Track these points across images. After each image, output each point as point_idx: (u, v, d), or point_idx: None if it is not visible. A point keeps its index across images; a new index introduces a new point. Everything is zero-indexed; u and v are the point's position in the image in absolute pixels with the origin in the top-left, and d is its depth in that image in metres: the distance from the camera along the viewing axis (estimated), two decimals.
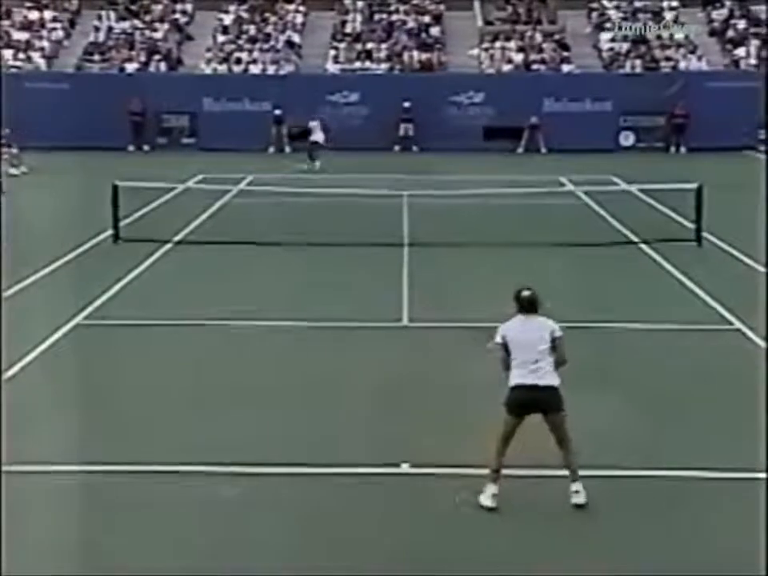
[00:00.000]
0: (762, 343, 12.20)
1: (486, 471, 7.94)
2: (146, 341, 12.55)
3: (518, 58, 36.53)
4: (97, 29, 38.51)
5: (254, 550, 7.28)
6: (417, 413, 9.98)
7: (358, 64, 36.87)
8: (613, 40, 36.98)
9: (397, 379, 11.01)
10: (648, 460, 8.83)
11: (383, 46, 37.63)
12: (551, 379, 7.76)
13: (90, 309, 13.74)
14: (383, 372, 11.27)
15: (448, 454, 8.85)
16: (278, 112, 33.77)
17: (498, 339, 7.93)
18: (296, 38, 38.26)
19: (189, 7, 40.09)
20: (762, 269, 16.19)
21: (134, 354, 11.98)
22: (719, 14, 38.00)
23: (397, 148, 34.05)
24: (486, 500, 7.85)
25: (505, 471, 7.94)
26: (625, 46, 36.66)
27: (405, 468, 8.62)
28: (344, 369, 11.40)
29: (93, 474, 8.49)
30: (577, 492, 7.84)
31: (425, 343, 12.48)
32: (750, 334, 12.62)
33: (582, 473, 7.91)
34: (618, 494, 8.21)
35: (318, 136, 29.92)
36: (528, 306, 7.93)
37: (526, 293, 7.96)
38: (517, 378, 7.80)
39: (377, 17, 39.14)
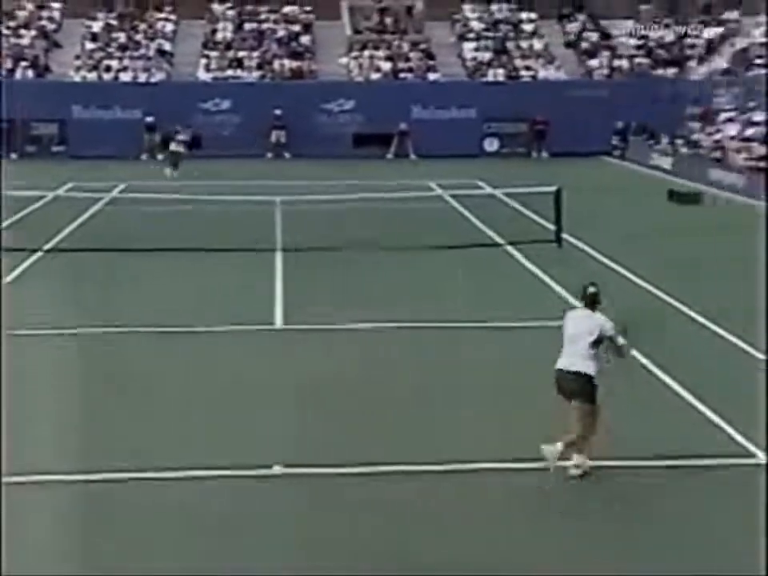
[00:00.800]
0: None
1: (365, 469, 7.91)
2: (13, 351, 12.07)
3: (387, 66, 36.78)
4: None
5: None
6: (290, 414, 9.90)
7: (229, 72, 36.48)
8: (476, 50, 37.64)
9: (269, 381, 10.91)
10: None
11: (254, 54, 37.35)
12: (582, 367, 8.24)
13: None
14: (256, 375, 11.17)
15: (324, 454, 8.81)
16: (149, 119, 33.15)
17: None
18: (167, 46, 37.61)
19: (56, 14, 38.93)
20: (617, 266, 16.73)
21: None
22: (573, 27, 39.10)
23: (269, 155, 33.84)
24: (573, 470, 8.30)
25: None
26: (487, 56, 37.35)
27: (277, 470, 8.53)
28: (217, 372, 11.23)
29: None
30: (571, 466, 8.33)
31: (298, 345, 12.41)
32: None
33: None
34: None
35: (178, 147, 29.46)
36: (586, 302, 8.52)
37: (590, 289, 8.54)
38: (558, 362, 8.42)
39: (247, 26, 38.82)
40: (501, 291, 15.39)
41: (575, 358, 8.27)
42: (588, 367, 8.25)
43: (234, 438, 9.34)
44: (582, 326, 8.35)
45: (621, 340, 8.35)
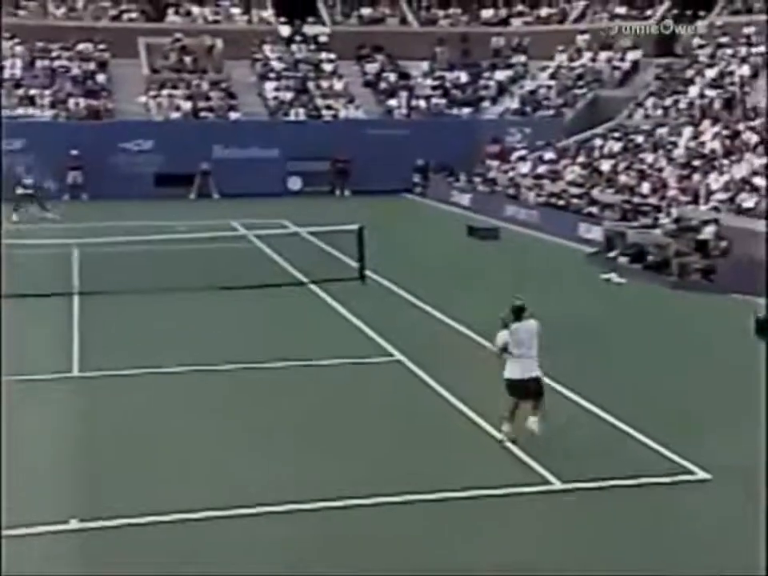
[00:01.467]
0: (421, 373, 12.92)
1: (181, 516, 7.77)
2: None
3: (187, 105, 36.48)
4: None
5: None
6: (83, 466, 9.63)
7: (20, 111, 35.20)
8: (277, 89, 37.93)
9: (62, 432, 10.57)
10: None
11: (46, 92, 36.22)
12: (537, 372, 9.85)
13: None
14: (49, 425, 10.80)
15: (124, 506, 8.61)
16: None
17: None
18: None
19: None
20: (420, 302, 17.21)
21: None
22: (372, 68, 40.09)
23: (65, 196, 32.82)
24: (502, 435, 10.02)
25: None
26: (288, 95, 37.70)
27: (74, 524, 8.27)
28: (9, 423, 10.77)
29: None
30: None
31: (94, 393, 12.07)
32: (408, 364, 13.28)
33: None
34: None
35: (27, 189, 28.98)
36: (516, 315, 9.87)
37: (516, 302, 9.94)
38: (515, 371, 9.83)
39: (39, 63, 37.63)
40: (305, 330, 15.50)
41: (531, 364, 9.73)
42: (539, 370, 9.88)
43: (23, 492, 8.97)
44: (528, 336, 9.73)
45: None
